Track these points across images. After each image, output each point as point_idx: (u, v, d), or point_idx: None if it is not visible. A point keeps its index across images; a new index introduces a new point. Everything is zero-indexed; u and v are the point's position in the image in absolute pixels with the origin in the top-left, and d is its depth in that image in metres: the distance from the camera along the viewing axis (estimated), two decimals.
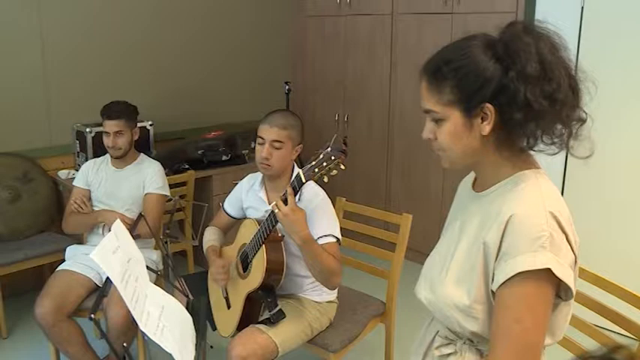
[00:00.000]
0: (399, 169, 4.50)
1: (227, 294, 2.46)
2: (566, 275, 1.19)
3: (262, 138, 2.33)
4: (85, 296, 2.75)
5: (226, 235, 2.68)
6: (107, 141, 2.96)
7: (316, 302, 2.44)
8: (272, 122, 2.32)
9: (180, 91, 4.49)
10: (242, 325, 2.34)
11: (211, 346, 3.07)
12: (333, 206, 2.86)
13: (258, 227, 2.26)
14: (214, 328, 2.56)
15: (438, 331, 1.47)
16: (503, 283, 1.20)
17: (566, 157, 3.47)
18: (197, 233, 3.32)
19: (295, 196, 2.06)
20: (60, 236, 3.56)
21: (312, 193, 2.34)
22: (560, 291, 1.23)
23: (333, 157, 1.92)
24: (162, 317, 1.48)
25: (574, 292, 1.22)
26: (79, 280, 2.76)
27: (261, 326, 2.26)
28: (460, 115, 1.25)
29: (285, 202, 2.06)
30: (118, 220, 1.60)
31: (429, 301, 1.41)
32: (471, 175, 1.50)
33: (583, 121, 1.25)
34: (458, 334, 1.39)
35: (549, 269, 1.16)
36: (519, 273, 1.18)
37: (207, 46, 4.62)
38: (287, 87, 4.63)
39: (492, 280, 1.25)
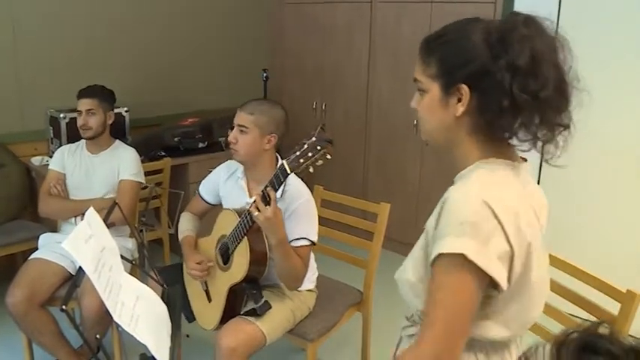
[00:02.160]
0: (376, 158, 4.50)
1: (207, 287, 2.42)
2: (488, 265, 1.16)
3: (234, 122, 2.33)
4: (58, 285, 2.70)
5: (202, 220, 2.65)
6: (79, 120, 2.94)
7: (297, 291, 2.42)
8: (242, 107, 2.32)
9: (157, 78, 4.43)
10: (225, 317, 2.31)
11: (187, 335, 3.05)
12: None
13: (239, 219, 2.21)
14: (190, 320, 2.52)
15: (409, 315, 1.48)
16: (432, 264, 1.21)
17: (542, 147, 3.49)
18: (173, 221, 3.28)
19: (279, 187, 2.00)
20: (33, 224, 3.50)
21: (297, 192, 2.29)
22: (496, 282, 1.19)
23: (319, 147, 1.88)
24: (137, 307, 1.45)
25: (503, 285, 1.19)
26: (52, 268, 2.71)
27: (250, 317, 2.24)
28: (438, 90, 1.28)
29: (264, 199, 2.00)
30: (92, 208, 1.57)
31: (396, 279, 1.41)
32: None
33: (565, 127, 1.26)
34: (419, 316, 1.40)
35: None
36: (441, 255, 1.18)
37: (184, 32, 4.56)
38: (265, 74, 4.59)
39: None
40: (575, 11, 3.28)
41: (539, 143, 1.27)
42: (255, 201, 2.02)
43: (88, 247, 1.39)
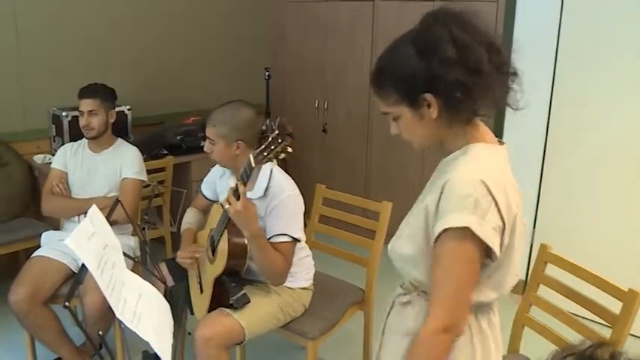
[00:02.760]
0: (378, 157, 4.50)
1: (200, 278, 2.46)
2: (487, 236, 1.30)
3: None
4: (60, 283, 2.71)
5: (206, 215, 2.66)
6: (81, 121, 2.94)
7: (289, 288, 2.43)
8: (207, 119, 2.37)
9: (159, 76, 4.43)
10: (213, 309, 2.34)
11: (189, 333, 3.05)
12: (313, 194, 2.86)
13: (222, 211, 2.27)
14: (192, 312, 2.55)
15: (403, 283, 1.60)
16: (436, 239, 1.34)
17: (545, 145, 3.50)
18: (175, 219, 3.29)
19: (247, 180, 2.03)
20: (35, 222, 3.51)
21: (279, 188, 2.31)
22: (491, 253, 1.34)
23: (280, 141, 1.92)
24: (139, 304, 1.46)
25: (498, 254, 1.33)
26: (54, 266, 2.72)
27: (228, 310, 2.27)
28: (408, 110, 1.40)
29: (236, 193, 2.03)
30: (94, 206, 1.58)
31: (389, 251, 1.54)
32: None
33: (515, 75, 1.39)
34: (414, 285, 1.52)
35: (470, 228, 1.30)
36: (446, 230, 1.31)
37: (186, 30, 4.56)
38: (267, 73, 4.59)
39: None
40: (577, 11, 3.28)
41: (503, 101, 1.40)
42: (228, 198, 2.06)
43: (90, 244, 1.40)
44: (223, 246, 2.26)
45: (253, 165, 1.96)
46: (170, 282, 2.55)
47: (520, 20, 3.51)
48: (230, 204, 2.03)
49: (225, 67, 4.85)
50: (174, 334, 1.55)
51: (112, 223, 1.65)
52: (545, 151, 3.51)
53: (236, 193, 2.03)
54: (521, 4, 3.51)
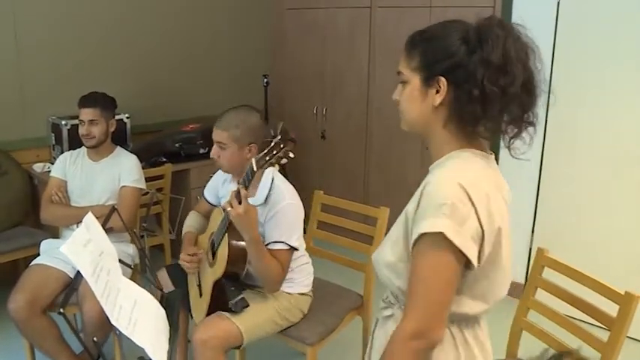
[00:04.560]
0: (377, 163, 4.51)
1: (200, 282, 2.47)
2: (464, 244, 1.26)
3: (212, 138, 2.37)
4: (59, 291, 2.71)
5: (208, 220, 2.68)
6: (81, 130, 2.95)
7: (287, 293, 2.44)
8: (217, 123, 2.34)
9: (158, 84, 4.45)
10: (212, 312, 2.35)
11: (189, 340, 3.05)
12: (311, 200, 2.87)
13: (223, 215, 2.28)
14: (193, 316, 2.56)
15: (386, 297, 1.57)
16: (414, 244, 1.31)
17: (543, 150, 3.50)
18: (174, 227, 3.29)
19: (249, 184, 2.06)
20: (35, 230, 3.51)
21: (279, 196, 2.32)
22: (469, 262, 1.29)
23: (282, 146, 1.95)
24: (135, 311, 1.46)
25: (475, 264, 1.29)
26: (53, 274, 2.72)
27: (226, 313, 2.28)
28: (419, 81, 1.38)
29: (238, 197, 2.05)
30: (90, 213, 1.58)
31: (373, 260, 1.51)
32: None
33: (530, 124, 1.37)
34: (397, 297, 1.49)
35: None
36: (423, 235, 1.27)
37: (185, 38, 4.58)
38: (265, 80, 4.60)
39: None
40: (572, 14, 3.29)
41: (507, 138, 1.37)
42: (230, 201, 2.08)
43: (86, 251, 1.40)
44: (223, 250, 2.26)
45: (255, 169, 1.98)
46: (170, 288, 2.56)
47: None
48: (232, 207, 2.05)
49: (223, 74, 4.86)
50: (170, 339, 1.55)
51: (108, 231, 1.66)
52: (542, 154, 3.51)
53: (238, 196, 2.05)
54: (517, 8, 3.52)
